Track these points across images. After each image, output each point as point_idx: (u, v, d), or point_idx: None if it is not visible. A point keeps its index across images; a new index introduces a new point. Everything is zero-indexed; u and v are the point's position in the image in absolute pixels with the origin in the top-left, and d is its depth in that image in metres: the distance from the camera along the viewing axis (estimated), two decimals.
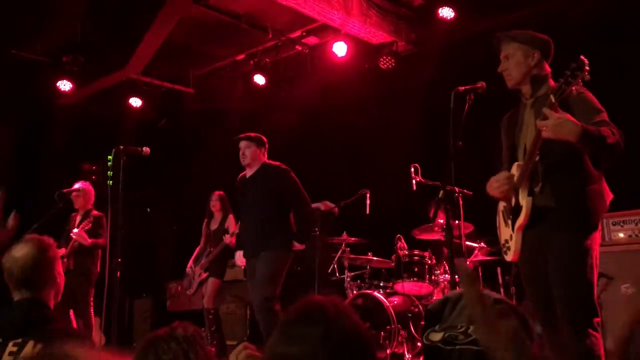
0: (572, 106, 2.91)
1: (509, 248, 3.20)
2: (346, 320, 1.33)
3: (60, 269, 2.64)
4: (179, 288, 6.92)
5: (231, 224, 6.77)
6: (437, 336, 1.21)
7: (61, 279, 2.65)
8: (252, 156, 5.35)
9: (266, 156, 5.48)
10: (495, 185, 3.16)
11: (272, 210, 5.18)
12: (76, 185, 6.70)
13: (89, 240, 6.32)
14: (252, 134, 5.44)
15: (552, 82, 3.18)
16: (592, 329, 2.84)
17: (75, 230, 6.31)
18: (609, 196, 3.06)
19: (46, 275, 2.55)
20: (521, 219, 3.04)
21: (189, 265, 6.93)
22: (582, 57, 2.73)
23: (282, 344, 1.30)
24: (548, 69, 3.24)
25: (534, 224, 3.02)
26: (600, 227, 3.05)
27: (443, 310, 1.29)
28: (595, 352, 2.81)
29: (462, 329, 1.20)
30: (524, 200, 3.02)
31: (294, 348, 1.27)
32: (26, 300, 2.52)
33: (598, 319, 2.88)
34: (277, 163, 5.39)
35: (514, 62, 3.24)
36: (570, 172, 2.97)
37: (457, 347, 1.16)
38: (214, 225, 6.94)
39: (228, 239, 6.57)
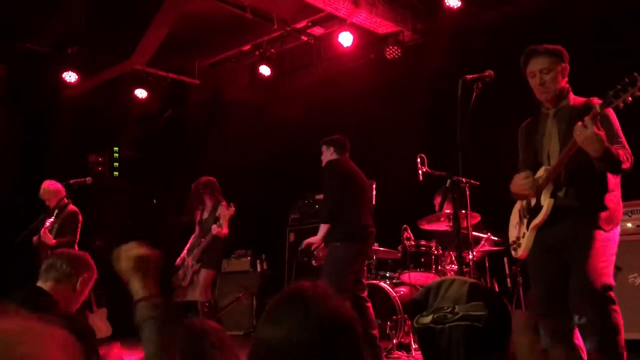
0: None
1: (519, 245, 3.33)
2: (327, 302, 1.37)
3: (87, 286, 2.98)
4: (173, 280, 6.72)
5: (223, 212, 6.39)
6: (426, 319, 1.28)
7: (82, 294, 2.96)
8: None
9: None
10: (520, 183, 3.27)
11: None
12: (47, 186, 6.66)
13: (53, 241, 6.34)
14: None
15: (571, 95, 3.34)
16: (612, 305, 2.99)
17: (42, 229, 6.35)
18: (621, 205, 3.22)
19: (70, 274, 2.86)
20: (539, 218, 3.18)
21: (181, 256, 6.66)
22: (635, 74, 2.81)
23: (267, 326, 1.36)
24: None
25: (553, 222, 3.16)
26: (618, 227, 3.17)
27: (427, 298, 1.34)
28: (619, 327, 3.02)
29: (449, 309, 1.25)
30: (546, 201, 3.15)
31: (278, 330, 1.32)
32: (28, 289, 2.68)
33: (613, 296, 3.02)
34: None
35: (551, 76, 3.29)
36: (591, 180, 3.09)
37: (447, 325, 1.21)
38: (205, 214, 6.62)
39: (216, 229, 6.27)
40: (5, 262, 7.14)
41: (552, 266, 3.16)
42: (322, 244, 5.05)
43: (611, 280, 3.03)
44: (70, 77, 7.97)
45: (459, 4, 6.73)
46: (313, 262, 5.16)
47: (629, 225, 5.24)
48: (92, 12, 7.63)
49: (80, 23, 7.68)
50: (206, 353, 1.43)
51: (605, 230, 3.05)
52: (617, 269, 5.15)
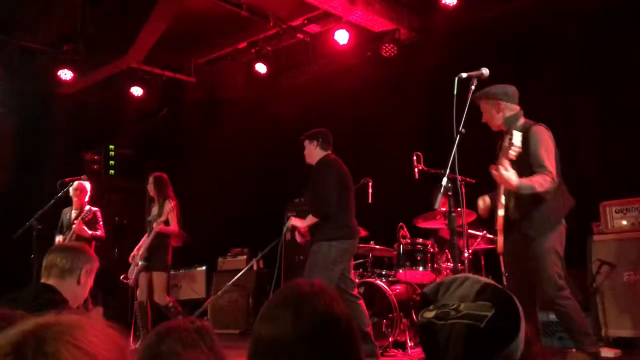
0: (530, 144, 3.83)
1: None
2: (320, 301, 1.39)
3: (90, 276, 2.89)
4: (122, 278, 6.62)
5: (167, 209, 6.28)
6: (430, 314, 1.27)
7: (87, 285, 2.88)
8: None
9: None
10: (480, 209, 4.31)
11: None
12: (80, 182, 6.67)
13: (89, 233, 6.35)
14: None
15: (522, 119, 4.05)
16: (560, 300, 3.83)
17: (75, 222, 6.32)
18: (568, 202, 4.02)
19: (73, 267, 2.80)
20: (497, 224, 4.08)
21: (133, 254, 6.53)
22: (513, 134, 3.63)
23: (265, 323, 1.39)
24: (516, 107, 4.06)
25: (509, 229, 4.01)
26: (559, 226, 3.95)
27: (437, 293, 1.34)
28: (568, 312, 3.83)
29: (454, 307, 1.25)
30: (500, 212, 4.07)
31: (270, 328, 1.36)
32: (36, 286, 2.69)
33: (565, 292, 3.86)
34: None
35: (488, 115, 4.08)
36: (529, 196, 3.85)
37: (449, 321, 1.22)
38: (153, 212, 6.49)
39: (157, 225, 6.19)
40: (3, 259, 7.13)
41: (518, 264, 4.12)
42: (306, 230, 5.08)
43: (554, 276, 3.85)
44: (66, 74, 7.94)
45: (455, 2, 6.72)
46: (299, 240, 5.20)
47: (624, 222, 5.24)
48: (87, 9, 7.61)
49: (76, 21, 7.66)
50: (167, 352, 1.42)
51: (542, 238, 3.87)
52: (612, 265, 5.18)
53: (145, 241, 6.41)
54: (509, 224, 4.00)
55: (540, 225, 3.89)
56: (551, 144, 3.94)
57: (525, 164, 3.82)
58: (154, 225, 6.27)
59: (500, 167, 3.62)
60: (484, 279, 1.34)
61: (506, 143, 3.64)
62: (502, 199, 4.08)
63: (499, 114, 4.04)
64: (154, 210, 6.50)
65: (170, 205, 6.30)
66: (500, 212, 4.04)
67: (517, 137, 3.60)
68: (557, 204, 3.92)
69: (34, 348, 0.88)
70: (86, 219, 6.38)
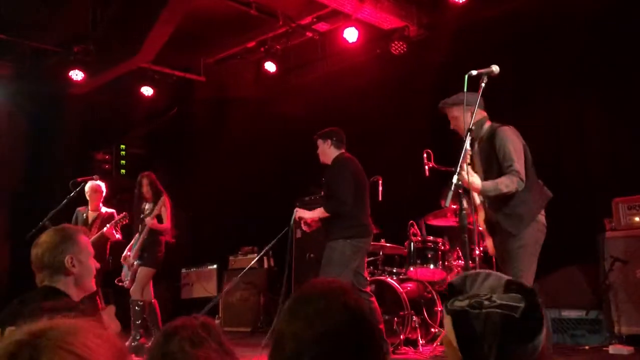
0: (495, 146, 3.89)
1: None
2: (344, 298, 1.40)
3: (83, 258, 2.59)
4: (116, 281, 6.59)
5: (161, 205, 6.30)
6: (462, 303, 1.31)
7: (83, 269, 2.59)
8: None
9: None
10: None
11: None
12: (96, 183, 6.68)
13: (115, 237, 6.38)
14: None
15: (488, 122, 4.07)
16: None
17: (108, 226, 6.33)
18: (543, 197, 3.99)
19: (58, 263, 2.52)
20: (482, 228, 4.26)
21: (124, 254, 6.49)
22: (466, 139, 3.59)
23: (285, 321, 1.40)
24: (484, 113, 4.08)
25: (492, 230, 4.13)
26: (534, 223, 3.91)
27: (465, 284, 1.38)
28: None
29: (486, 297, 1.28)
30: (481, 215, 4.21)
31: (294, 325, 1.37)
32: (43, 288, 2.53)
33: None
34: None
35: (459, 122, 4.04)
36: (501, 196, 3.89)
37: (484, 310, 1.24)
38: (146, 210, 6.48)
39: (150, 221, 6.21)
40: (17, 260, 7.18)
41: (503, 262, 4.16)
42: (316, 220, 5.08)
43: (524, 275, 3.81)
44: (77, 75, 7.99)
45: None
46: (306, 229, 5.21)
47: (637, 219, 5.20)
48: (98, 11, 7.65)
49: (87, 22, 7.70)
50: (177, 350, 1.42)
51: (517, 237, 3.86)
52: (623, 262, 5.14)
53: (137, 240, 6.43)
54: (491, 225, 4.10)
55: (514, 223, 3.91)
56: (518, 143, 3.96)
57: (494, 164, 3.92)
58: (147, 220, 6.28)
59: (463, 172, 3.64)
60: (505, 276, 1.39)
61: (466, 146, 3.69)
62: (477, 201, 4.16)
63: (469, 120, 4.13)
64: (146, 208, 6.50)
65: (164, 201, 6.33)
66: (481, 215, 4.15)
67: (467, 141, 3.63)
68: (530, 201, 3.94)
69: (29, 357, 0.88)
70: (119, 225, 6.41)
